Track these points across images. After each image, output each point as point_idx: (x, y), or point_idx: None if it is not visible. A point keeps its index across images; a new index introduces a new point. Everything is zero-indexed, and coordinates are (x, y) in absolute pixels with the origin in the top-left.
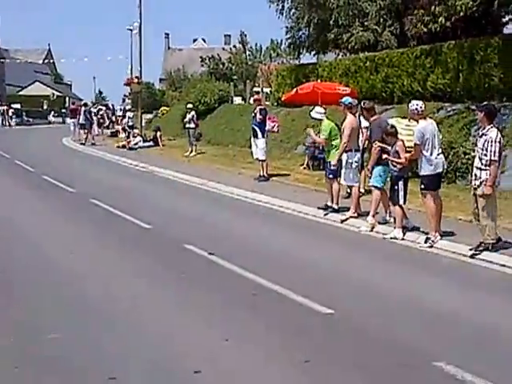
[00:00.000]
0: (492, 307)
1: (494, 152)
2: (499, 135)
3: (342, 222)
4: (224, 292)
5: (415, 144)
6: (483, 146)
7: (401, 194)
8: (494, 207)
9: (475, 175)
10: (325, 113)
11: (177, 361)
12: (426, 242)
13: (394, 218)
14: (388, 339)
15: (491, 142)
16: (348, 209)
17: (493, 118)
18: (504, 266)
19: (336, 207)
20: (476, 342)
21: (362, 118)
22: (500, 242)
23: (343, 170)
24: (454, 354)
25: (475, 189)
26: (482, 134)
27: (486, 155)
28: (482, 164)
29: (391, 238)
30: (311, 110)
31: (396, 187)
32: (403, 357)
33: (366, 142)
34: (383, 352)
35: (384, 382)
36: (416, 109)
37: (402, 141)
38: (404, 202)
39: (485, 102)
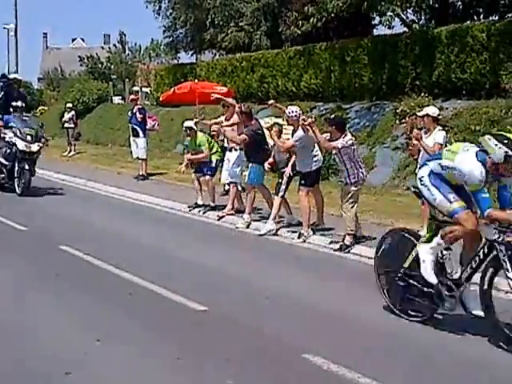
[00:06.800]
0: (352, 297)
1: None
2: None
3: (220, 219)
4: (100, 292)
5: (292, 145)
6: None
7: (282, 187)
8: (354, 201)
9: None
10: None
11: (48, 363)
12: (299, 238)
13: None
14: (258, 333)
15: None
16: (224, 206)
17: (343, 128)
18: (364, 256)
19: (213, 205)
20: (339, 332)
21: None
22: (359, 233)
23: (225, 168)
24: (322, 345)
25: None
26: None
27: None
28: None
29: (266, 233)
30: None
31: (281, 180)
32: (273, 350)
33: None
34: (253, 346)
35: (254, 375)
36: (295, 115)
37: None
38: (282, 196)
39: (333, 115)
